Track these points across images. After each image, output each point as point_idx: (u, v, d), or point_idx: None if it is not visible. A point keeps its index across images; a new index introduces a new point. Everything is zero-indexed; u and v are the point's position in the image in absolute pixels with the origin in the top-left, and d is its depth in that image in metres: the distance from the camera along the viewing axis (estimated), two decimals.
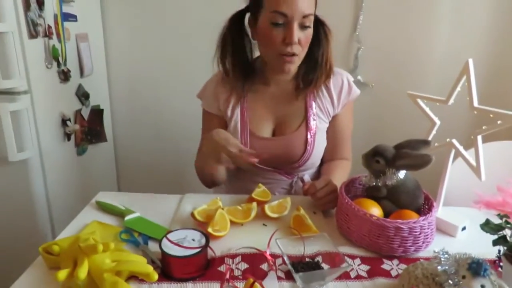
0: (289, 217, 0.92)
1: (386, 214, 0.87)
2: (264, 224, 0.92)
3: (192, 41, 1.82)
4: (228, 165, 1.04)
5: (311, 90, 1.12)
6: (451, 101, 0.87)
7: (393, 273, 0.77)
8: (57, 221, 1.48)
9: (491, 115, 0.79)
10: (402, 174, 0.88)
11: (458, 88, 0.86)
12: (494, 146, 1.28)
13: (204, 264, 0.75)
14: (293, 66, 1.05)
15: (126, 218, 0.90)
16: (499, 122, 0.78)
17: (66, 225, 0.89)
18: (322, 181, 0.99)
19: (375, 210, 0.86)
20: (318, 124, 1.14)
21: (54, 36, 1.42)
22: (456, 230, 0.90)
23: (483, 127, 0.81)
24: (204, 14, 1.76)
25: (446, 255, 0.63)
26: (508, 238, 0.70)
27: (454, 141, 0.88)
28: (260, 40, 1.06)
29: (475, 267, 0.59)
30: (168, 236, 0.76)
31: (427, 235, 0.82)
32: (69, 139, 1.58)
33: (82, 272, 0.64)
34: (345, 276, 0.75)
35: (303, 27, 0.99)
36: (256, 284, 0.66)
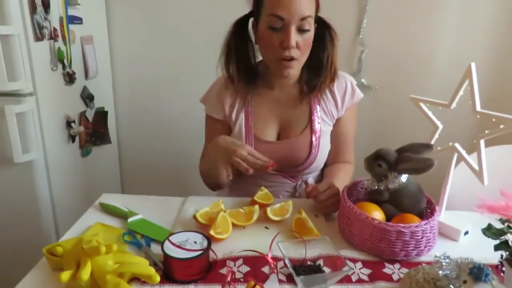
0: (291, 220, 0.92)
1: (388, 218, 0.87)
2: (266, 227, 0.92)
3: (198, 44, 1.83)
4: (229, 175, 1.04)
5: (316, 94, 1.12)
6: (454, 105, 0.87)
7: (395, 277, 0.77)
8: (61, 222, 1.49)
9: (494, 120, 0.79)
10: (404, 178, 0.88)
11: (461, 92, 0.85)
12: (497, 150, 1.27)
13: (206, 267, 0.75)
14: (292, 71, 1.04)
15: (129, 220, 0.91)
16: (501, 126, 0.77)
17: (70, 227, 0.90)
18: (324, 184, 0.99)
19: (377, 214, 0.85)
20: (323, 127, 1.14)
21: (60, 39, 1.44)
22: (458, 234, 0.90)
23: (486, 132, 0.81)
24: (209, 16, 1.77)
25: (447, 260, 0.62)
26: (510, 243, 0.70)
27: (457, 145, 0.88)
28: (260, 45, 1.06)
29: (477, 272, 0.59)
30: (170, 238, 0.76)
31: (429, 239, 0.82)
32: (73, 141, 1.59)
33: (85, 274, 0.64)
34: (347, 279, 0.75)
35: (301, 30, 0.99)
36: (258, 287, 0.66)
